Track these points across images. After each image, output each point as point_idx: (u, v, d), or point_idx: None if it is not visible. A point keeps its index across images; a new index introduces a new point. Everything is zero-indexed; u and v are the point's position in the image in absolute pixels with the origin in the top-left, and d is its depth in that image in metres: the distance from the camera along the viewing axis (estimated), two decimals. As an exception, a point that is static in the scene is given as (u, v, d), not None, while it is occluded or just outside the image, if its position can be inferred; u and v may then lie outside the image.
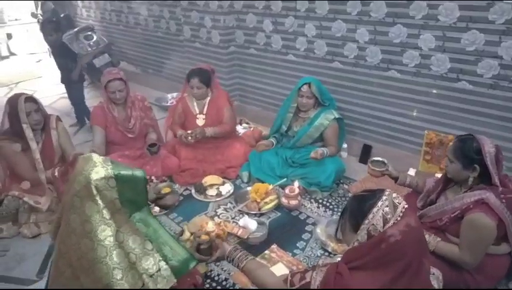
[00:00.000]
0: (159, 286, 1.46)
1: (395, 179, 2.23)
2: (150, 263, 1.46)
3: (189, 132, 3.05)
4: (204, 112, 3.18)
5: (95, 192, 1.38)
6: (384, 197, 1.28)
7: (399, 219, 1.23)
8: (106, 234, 1.37)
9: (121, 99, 2.96)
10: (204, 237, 1.79)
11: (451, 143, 1.90)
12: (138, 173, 1.51)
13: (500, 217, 1.69)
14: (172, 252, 1.54)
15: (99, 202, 1.39)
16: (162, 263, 1.49)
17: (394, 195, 1.31)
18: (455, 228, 1.79)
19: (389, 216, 1.24)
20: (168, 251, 1.54)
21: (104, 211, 1.39)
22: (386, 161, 2.26)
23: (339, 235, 1.44)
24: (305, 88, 2.90)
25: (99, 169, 1.41)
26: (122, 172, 1.45)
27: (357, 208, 1.32)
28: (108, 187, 1.41)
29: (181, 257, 1.55)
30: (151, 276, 1.45)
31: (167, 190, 2.04)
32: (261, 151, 3.10)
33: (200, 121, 3.18)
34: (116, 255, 1.38)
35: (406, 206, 1.28)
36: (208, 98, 3.19)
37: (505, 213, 1.71)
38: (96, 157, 1.47)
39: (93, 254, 1.35)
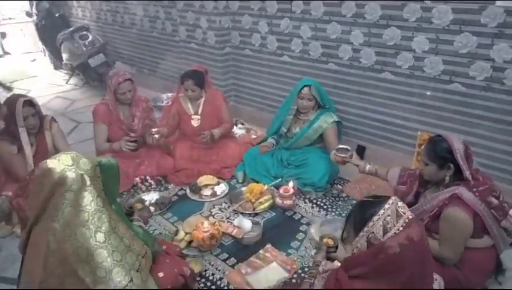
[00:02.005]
0: (147, 265, 1.58)
1: (357, 166, 2.36)
2: (139, 245, 1.58)
3: (155, 132, 2.99)
4: (200, 113, 3.19)
5: (88, 182, 1.43)
6: (386, 206, 1.25)
7: (401, 229, 1.21)
8: (103, 220, 1.44)
9: (130, 99, 2.98)
10: (330, 242, 1.96)
11: (423, 147, 1.95)
12: (112, 160, 1.60)
13: (475, 210, 1.74)
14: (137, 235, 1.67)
15: (94, 191, 1.44)
16: (145, 245, 1.62)
17: (400, 204, 1.27)
18: (437, 226, 1.83)
19: (389, 225, 1.22)
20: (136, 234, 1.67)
21: (98, 200, 1.44)
22: (349, 148, 2.45)
23: (345, 237, 1.44)
24: (305, 90, 2.88)
25: (84, 160, 1.46)
26: (103, 160, 1.54)
27: (359, 214, 1.31)
28: (96, 177, 1.47)
29: (143, 236, 1.69)
30: (142, 257, 1.56)
31: (139, 206, 2.06)
32: (263, 153, 3.09)
33: (195, 121, 3.19)
34: (113, 239, 1.45)
35: (411, 217, 1.25)
36: (203, 99, 3.20)
37: (479, 205, 1.76)
38: (69, 153, 1.48)
39: (92, 241, 1.40)
